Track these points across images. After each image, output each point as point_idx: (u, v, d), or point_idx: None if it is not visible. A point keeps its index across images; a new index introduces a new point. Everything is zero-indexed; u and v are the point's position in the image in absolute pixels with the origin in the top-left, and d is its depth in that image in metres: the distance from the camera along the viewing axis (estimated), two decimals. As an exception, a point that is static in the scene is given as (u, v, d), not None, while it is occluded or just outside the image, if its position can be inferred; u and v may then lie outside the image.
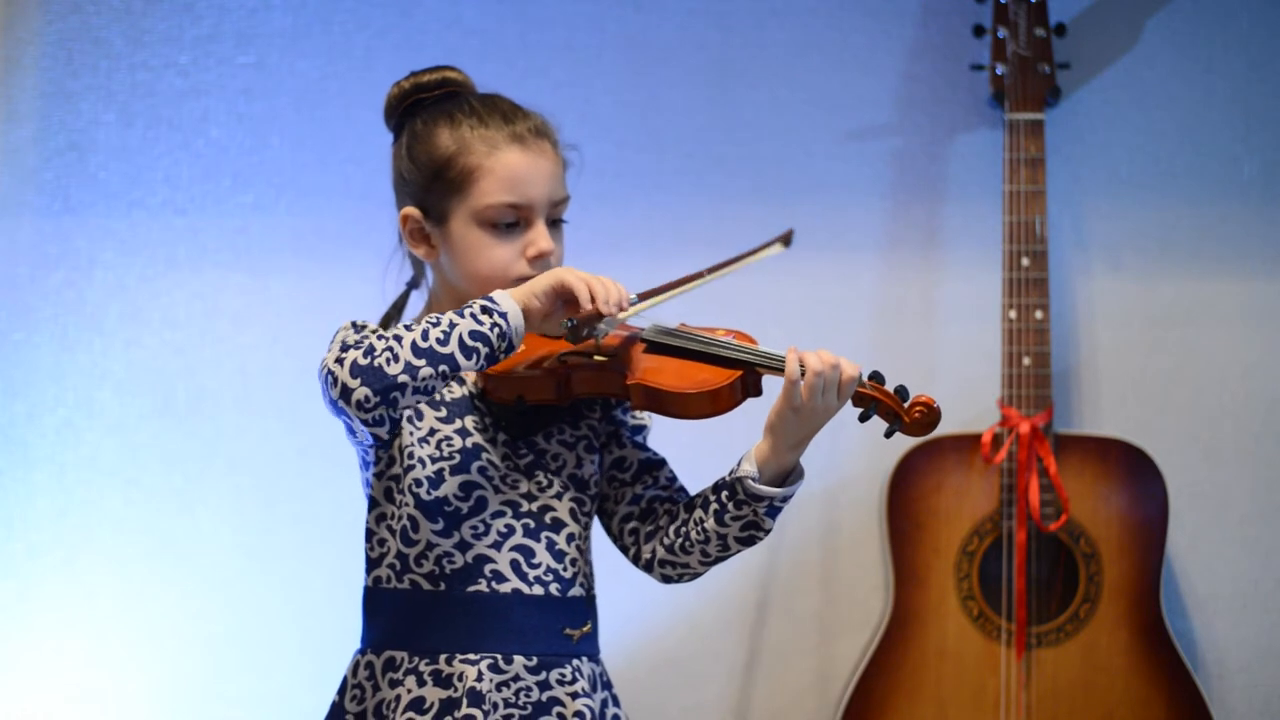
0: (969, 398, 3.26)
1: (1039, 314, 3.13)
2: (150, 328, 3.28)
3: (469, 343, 2.11)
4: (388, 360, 2.10)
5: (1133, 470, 3.15)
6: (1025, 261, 3.14)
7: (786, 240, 2.43)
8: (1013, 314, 3.14)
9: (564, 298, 2.15)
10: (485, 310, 2.12)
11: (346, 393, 2.10)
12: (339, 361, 2.11)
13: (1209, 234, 3.33)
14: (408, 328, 2.13)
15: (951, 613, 3.14)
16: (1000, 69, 3.21)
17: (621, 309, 2.15)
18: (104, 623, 3.25)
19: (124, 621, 3.25)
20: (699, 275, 2.33)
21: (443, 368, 2.11)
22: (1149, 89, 3.33)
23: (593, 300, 2.13)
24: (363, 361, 2.10)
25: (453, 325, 2.11)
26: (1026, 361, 3.13)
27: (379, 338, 2.13)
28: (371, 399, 2.10)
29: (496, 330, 2.12)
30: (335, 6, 3.30)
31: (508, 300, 2.13)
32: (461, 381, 2.27)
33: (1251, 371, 3.33)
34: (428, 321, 2.13)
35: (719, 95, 3.33)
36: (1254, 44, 3.33)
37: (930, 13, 3.33)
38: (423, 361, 2.10)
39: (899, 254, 3.33)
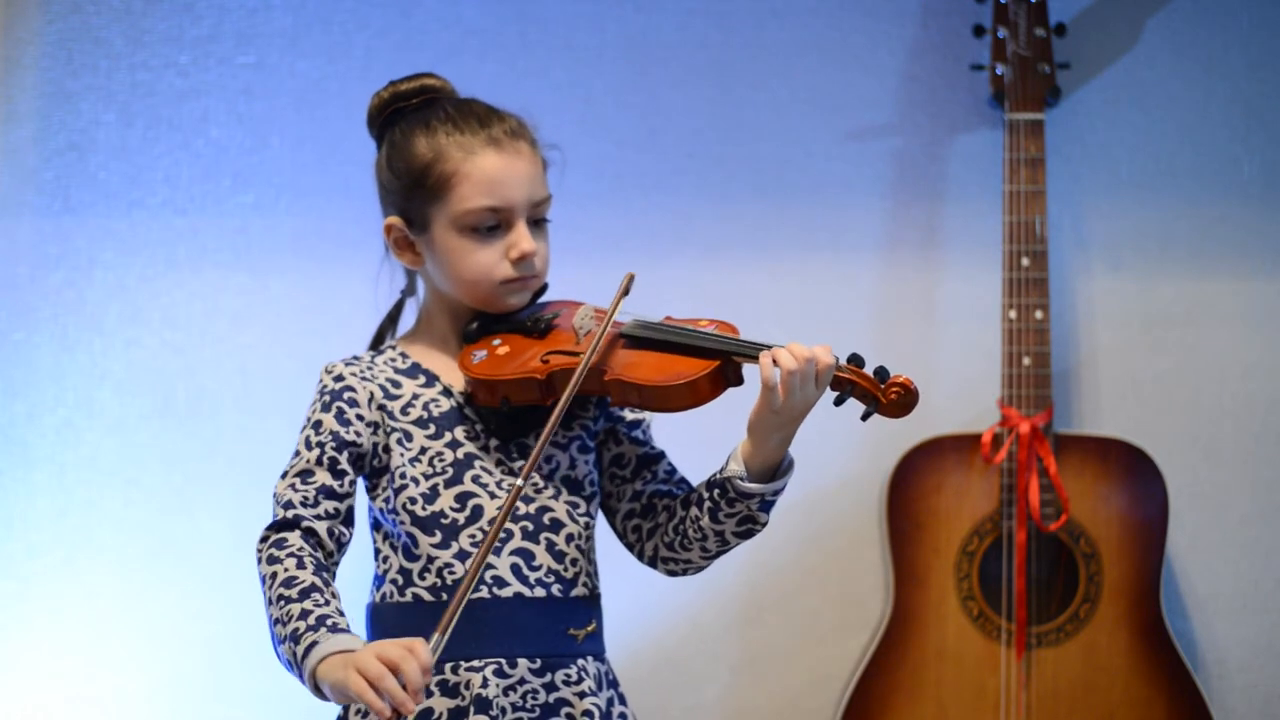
0: (969, 398, 3.26)
1: (1039, 314, 3.13)
2: (150, 328, 3.28)
3: (284, 657, 2.14)
4: (261, 584, 2.17)
5: (1133, 470, 3.15)
6: (1025, 261, 3.14)
7: (627, 289, 2.32)
8: (1013, 314, 3.14)
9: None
10: (299, 658, 2.09)
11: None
12: (261, 545, 2.19)
13: (1209, 234, 3.33)
14: (287, 582, 2.14)
15: (951, 613, 3.14)
16: (1000, 69, 3.21)
17: (422, 690, 2.02)
18: (104, 623, 3.25)
19: (124, 621, 3.25)
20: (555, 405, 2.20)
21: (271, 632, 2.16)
22: (1149, 89, 3.33)
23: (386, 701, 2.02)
24: (259, 569, 2.18)
25: (283, 640, 2.11)
26: (1026, 361, 3.13)
27: (278, 548, 2.17)
28: None
29: (297, 676, 2.12)
30: (335, 6, 3.30)
31: (310, 673, 2.08)
32: (448, 393, 2.27)
33: (1251, 371, 3.33)
34: (283, 602, 2.12)
35: (719, 95, 3.33)
36: (1254, 44, 3.33)
37: (930, 13, 3.33)
38: (266, 616, 2.16)
39: (899, 254, 3.33)
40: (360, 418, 2.24)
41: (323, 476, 2.21)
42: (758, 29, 3.33)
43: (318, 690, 2.08)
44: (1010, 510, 3.13)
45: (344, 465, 2.22)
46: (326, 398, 2.26)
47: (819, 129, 3.33)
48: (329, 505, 2.20)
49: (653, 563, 2.31)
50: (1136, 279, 3.33)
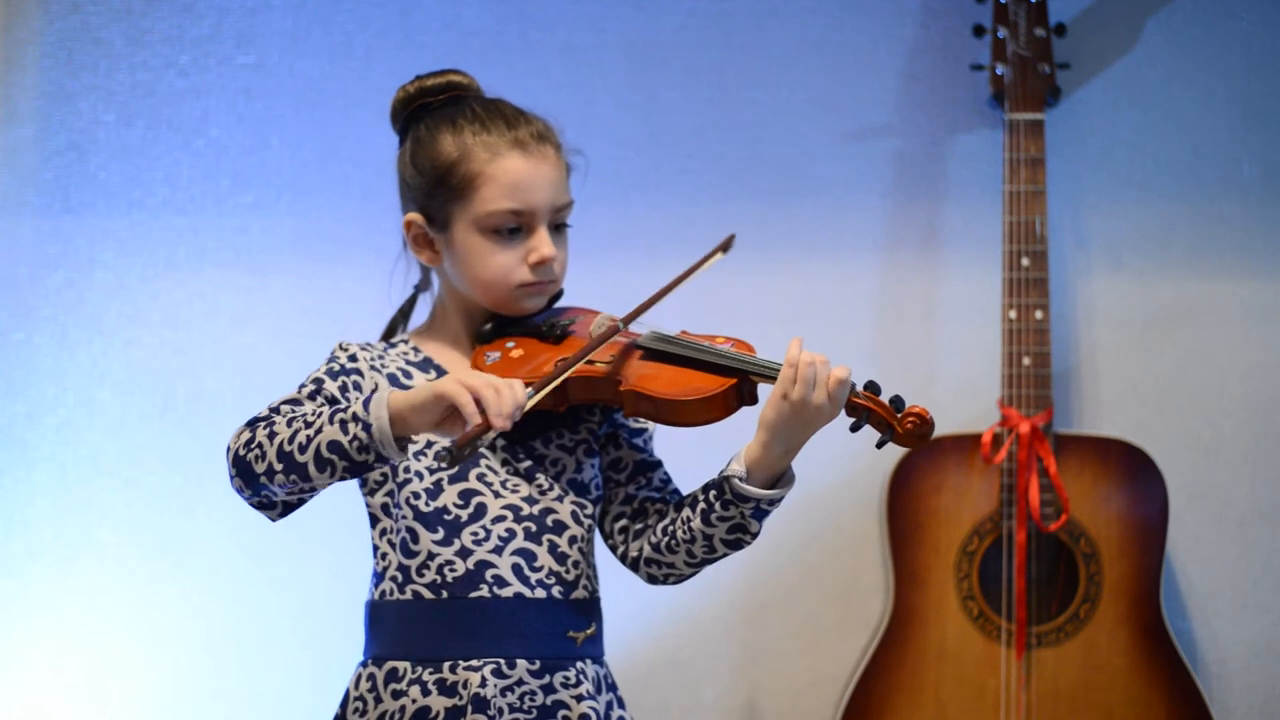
0: (969, 398, 3.26)
1: (1039, 314, 3.13)
2: (150, 328, 3.28)
3: (325, 454, 2.08)
4: (256, 458, 2.10)
5: (1133, 470, 3.15)
6: (1025, 261, 3.14)
7: (726, 247, 2.40)
8: (1013, 314, 3.14)
9: (450, 408, 2.05)
10: (354, 419, 2.07)
11: (230, 478, 2.13)
12: (233, 441, 2.12)
13: (1209, 234, 3.33)
14: (290, 421, 2.10)
15: (951, 613, 3.14)
16: (1000, 69, 3.21)
17: (513, 417, 2.03)
18: (104, 623, 3.25)
19: (124, 621, 3.25)
20: (631, 314, 2.24)
21: (294, 477, 2.09)
22: (1149, 89, 3.33)
23: (482, 413, 2.01)
24: (241, 452, 2.11)
25: (318, 432, 2.08)
26: (1026, 361, 3.13)
27: (264, 425, 2.11)
28: (245, 491, 2.13)
29: (356, 444, 2.06)
30: (335, 6, 3.30)
31: (380, 410, 2.06)
32: None
33: (1251, 371, 3.33)
34: (304, 420, 2.09)
35: (719, 95, 3.33)
36: (1254, 44, 3.33)
37: (930, 13, 3.33)
38: (281, 466, 2.09)
39: (899, 254, 3.33)
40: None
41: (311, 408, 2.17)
42: (758, 29, 3.33)
43: (388, 436, 2.04)
44: (1010, 510, 3.13)
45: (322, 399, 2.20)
46: (335, 366, 2.24)
47: (819, 129, 3.33)
48: None
49: (635, 565, 2.30)
50: (1136, 279, 3.33)
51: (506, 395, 2.02)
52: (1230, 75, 3.33)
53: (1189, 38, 3.33)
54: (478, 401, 2.01)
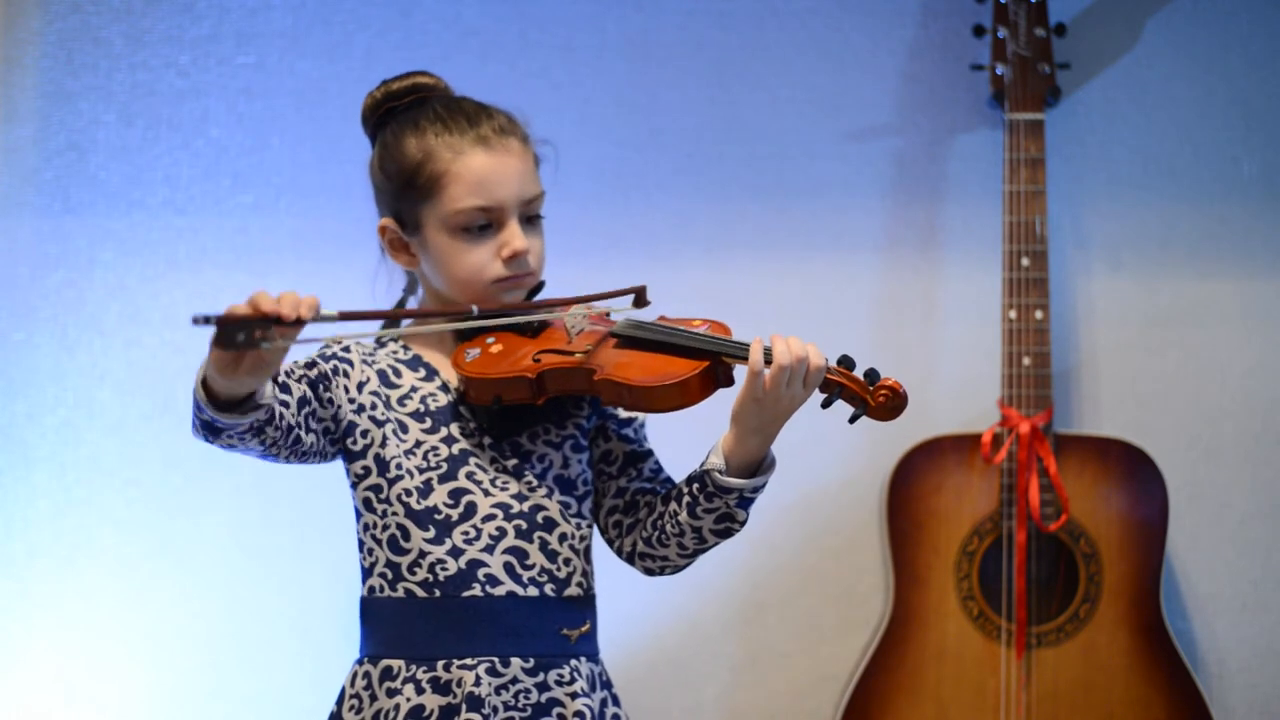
0: (969, 398, 3.27)
1: (1039, 314, 3.13)
2: (150, 328, 3.28)
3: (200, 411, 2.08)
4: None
5: (1133, 470, 3.15)
6: (1025, 261, 3.14)
7: (640, 299, 2.31)
8: (1013, 314, 3.14)
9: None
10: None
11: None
12: None
13: (1209, 234, 3.33)
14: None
15: (951, 613, 3.14)
16: (1000, 69, 3.21)
17: (301, 317, 1.93)
18: (104, 623, 3.25)
19: (124, 621, 3.25)
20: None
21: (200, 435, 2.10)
22: (1149, 89, 3.33)
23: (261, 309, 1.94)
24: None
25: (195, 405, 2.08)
26: (1026, 361, 3.13)
27: None
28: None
29: (195, 407, 2.06)
30: (335, 6, 3.30)
31: (195, 380, 2.05)
32: (446, 389, 2.27)
33: (1251, 371, 3.33)
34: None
35: (719, 95, 3.33)
36: (1254, 44, 3.33)
37: (930, 13, 3.33)
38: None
39: (899, 254, 3.33)
40: (345, 389, 2.24)
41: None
42: (758, 29, 3.33)
43: (223, 390, 2.04)
44: (1010, 510, 3.13)
45: (310, 375, 2.20)
46: (328, 351, 2.25)
47: (819, 129, 3.33)
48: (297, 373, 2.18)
49: (630, 559, 2.30)
50: (1136, 279, 3.33)
51: (291, 295, 1.96)
52: (1230, 75, 3.33)
53: (1189, 38, 3.33)
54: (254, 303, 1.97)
